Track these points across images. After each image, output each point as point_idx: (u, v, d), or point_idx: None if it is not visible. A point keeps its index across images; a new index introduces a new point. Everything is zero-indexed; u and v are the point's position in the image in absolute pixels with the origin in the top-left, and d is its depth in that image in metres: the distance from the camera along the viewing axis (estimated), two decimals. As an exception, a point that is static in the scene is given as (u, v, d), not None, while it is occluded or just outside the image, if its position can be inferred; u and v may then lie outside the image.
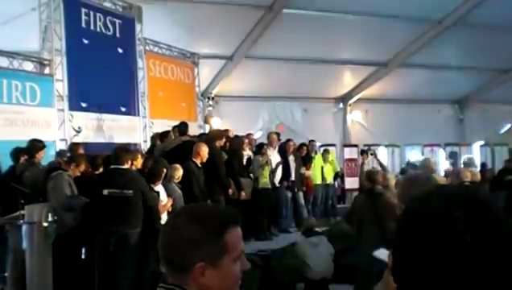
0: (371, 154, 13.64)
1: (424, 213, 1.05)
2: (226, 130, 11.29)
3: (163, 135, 10.32)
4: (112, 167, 6.98)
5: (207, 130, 12.67)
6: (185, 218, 1.57)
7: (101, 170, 7.64)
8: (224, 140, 10.04)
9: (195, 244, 1.52)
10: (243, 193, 9.49)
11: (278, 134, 12.15)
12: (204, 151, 8.69)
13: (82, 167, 7.63)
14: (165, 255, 1.57)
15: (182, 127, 10.01)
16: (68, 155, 8.22)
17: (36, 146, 7.76)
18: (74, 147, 8.91)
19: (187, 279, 1.53)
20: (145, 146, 11.62)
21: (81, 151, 8.65)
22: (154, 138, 10.86)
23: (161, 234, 1.59)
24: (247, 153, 10.58)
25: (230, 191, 9.25)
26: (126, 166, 6.93)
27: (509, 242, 0.98)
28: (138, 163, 7.78)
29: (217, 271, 1.53)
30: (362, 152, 14.41)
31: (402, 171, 11.09)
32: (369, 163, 14.45)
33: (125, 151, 7.27)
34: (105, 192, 6.69)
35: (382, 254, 2.31)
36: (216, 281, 1.53)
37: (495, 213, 1.02)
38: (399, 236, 1.07)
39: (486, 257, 0.96)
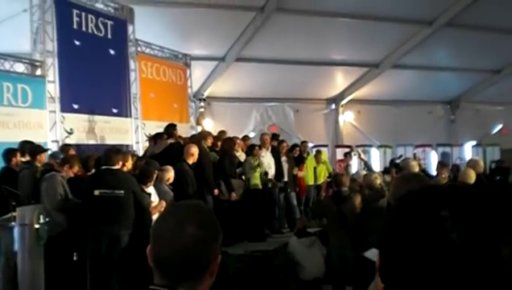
0: (354, 154, 13.63)
1: (410, 212, 1.04)
2: (223, 132, 11.27)
3: (156, 137, 10.28)
4: (103, 167, 6.98)
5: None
6: (196, 223, 1.59)
7: (93, 171, 7.63)
8: (210, 140, 10.04)
9: (213, 241, 1.63)
10: (233, 194, 9.50)
11: (275, 135, 12.15)
12: (195, 151, 8.73)
13: (75, 169, 7.63)
14: (182, 261, 1.55)
15: (169, 130, 10.01)
16: (61, 156, 8.20)
17: (37, 148, 7.78)
18: (65, 148, 8.89)
19: (202, 279, 1.60)
20: (137, 147, 11.60)
21: (72, 152, 8.63)
22: (150, 140, 10.81)
23: (172, 245, 1.56)
24: (240, 154, 10.54)
25: (216, 191, 9.26)
26: (117, 167, 6.93)
27: (496, 243, 0.98)
28: (129, 163, 7.75)
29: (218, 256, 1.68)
30: (346, 154, 14.38)
31: (386, 171, 11.09)
32: (354, 165, 14.47)
33: (115, 151, 7.28)
34: (97, 192, 6.69)
35: (373, 254, 2.31)
36: (216, 266, 1.65)
37: (482, 213, 1.01)
38: (385, 236, 1.06)
39: (472, 257, 0.96)
